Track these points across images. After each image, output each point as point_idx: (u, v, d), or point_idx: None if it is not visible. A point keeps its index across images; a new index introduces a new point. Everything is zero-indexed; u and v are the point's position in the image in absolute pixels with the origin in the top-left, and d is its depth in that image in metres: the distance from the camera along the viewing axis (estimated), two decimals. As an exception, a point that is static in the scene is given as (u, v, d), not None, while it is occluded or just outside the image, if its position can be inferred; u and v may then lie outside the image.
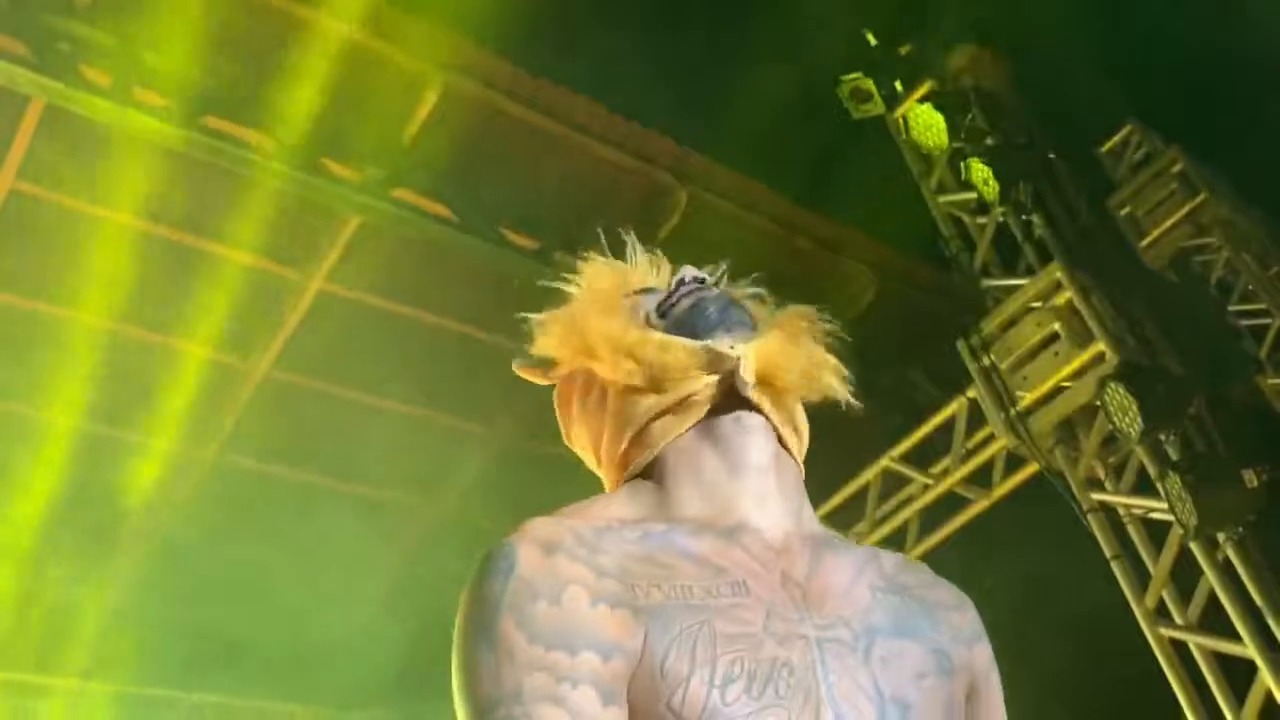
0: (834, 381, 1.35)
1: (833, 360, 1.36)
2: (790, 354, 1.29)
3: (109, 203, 5.93)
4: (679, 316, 1.30)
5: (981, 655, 1.31)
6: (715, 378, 1.25)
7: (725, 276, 1.40)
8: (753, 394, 1.25)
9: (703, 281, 1.35)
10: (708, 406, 1.26)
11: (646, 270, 1.44)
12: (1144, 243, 7.13)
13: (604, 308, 1.34)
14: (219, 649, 7.15)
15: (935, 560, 6.80)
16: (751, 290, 1.42)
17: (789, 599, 1.16)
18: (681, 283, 1.35)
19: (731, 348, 1.26)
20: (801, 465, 1.32)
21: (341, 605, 7.61)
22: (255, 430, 7.30)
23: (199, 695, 7.59)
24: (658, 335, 1.28)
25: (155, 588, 6.97)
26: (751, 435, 1.26)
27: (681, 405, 1.26)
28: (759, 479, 1.24)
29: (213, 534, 7.22)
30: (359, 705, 7.99)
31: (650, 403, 1.27)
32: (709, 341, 1.26)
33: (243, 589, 7.03)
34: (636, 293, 1.39)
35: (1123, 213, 7.35)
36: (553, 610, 1.09)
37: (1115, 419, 5.24)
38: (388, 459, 7.58)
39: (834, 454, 7.34)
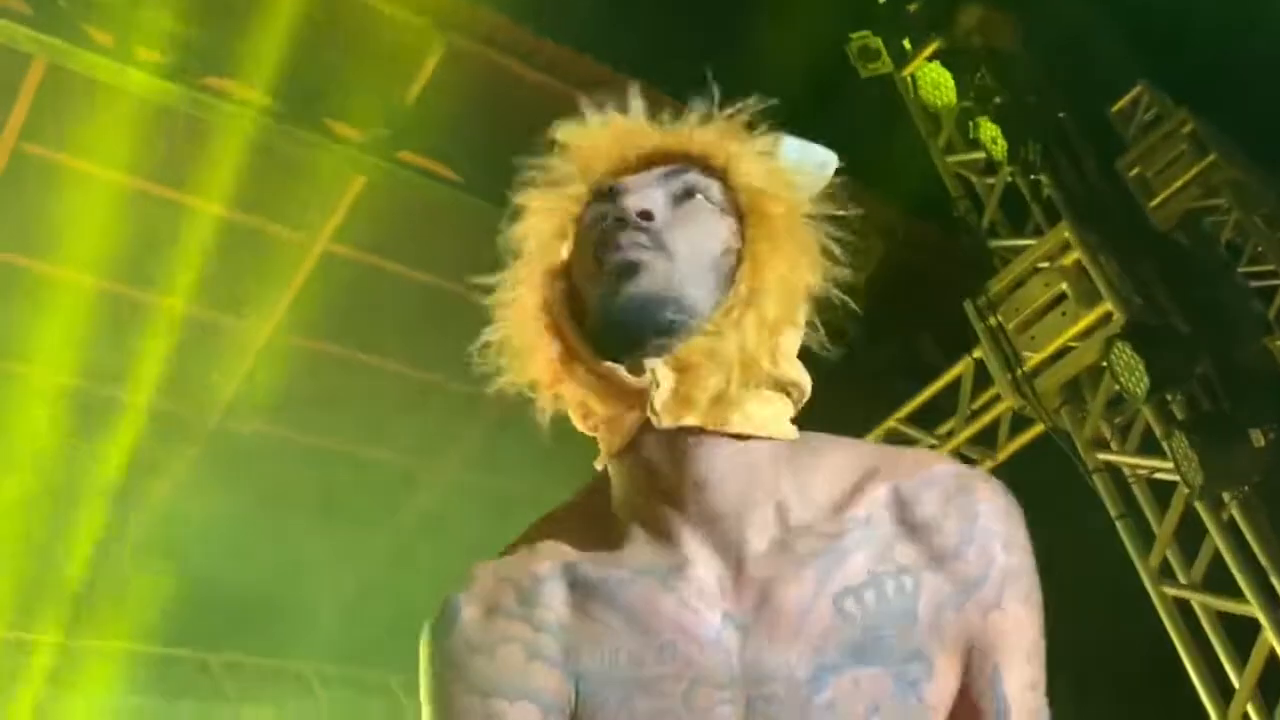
0: (816, 280, 1.18)
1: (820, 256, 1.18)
2: (730, 341, 1.09)
3: (111, 162, 5.91)
4: (604, 302, 1.13)
5: (987, 597, 1.12)
6: (634, 413, 1.11)
7: (677, 186, 1.17)
8: (668, 421, 1.09)
9: (646, 217, 1.14)
10: (629, 436, 1.12)
11: (592, 148, 1.22)
12: (1153, 203, 7.07)
13: (530, 317, 1.19)
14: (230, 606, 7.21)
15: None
16: (691, 181, 1.19)
17: (723, 655, 1.07)
18: (604, 221, 1.16)
19: (642, 372, 1.09)
20: (785, 423, 1.15)
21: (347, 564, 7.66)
22: (260, 393, 7.32)
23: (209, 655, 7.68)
24: (578, 369, 1.14)
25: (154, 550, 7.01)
26: (685, 458, 1.10)
27: (609, 428, 1.15)
28: (701, 502, 1.10)
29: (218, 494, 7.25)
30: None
31: (586, 420, 1.18)
32: (618, 367, 1.10)
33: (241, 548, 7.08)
34: (587, 203, 1.21)
35: (1132, 173, 7.29)
36: (490, 665, 1.10)
37: (1122, 379, 5.23)
38: (394, 425, 7.60)
39: (838, 416, 7.37)
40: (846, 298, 1.22)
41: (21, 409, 6.43)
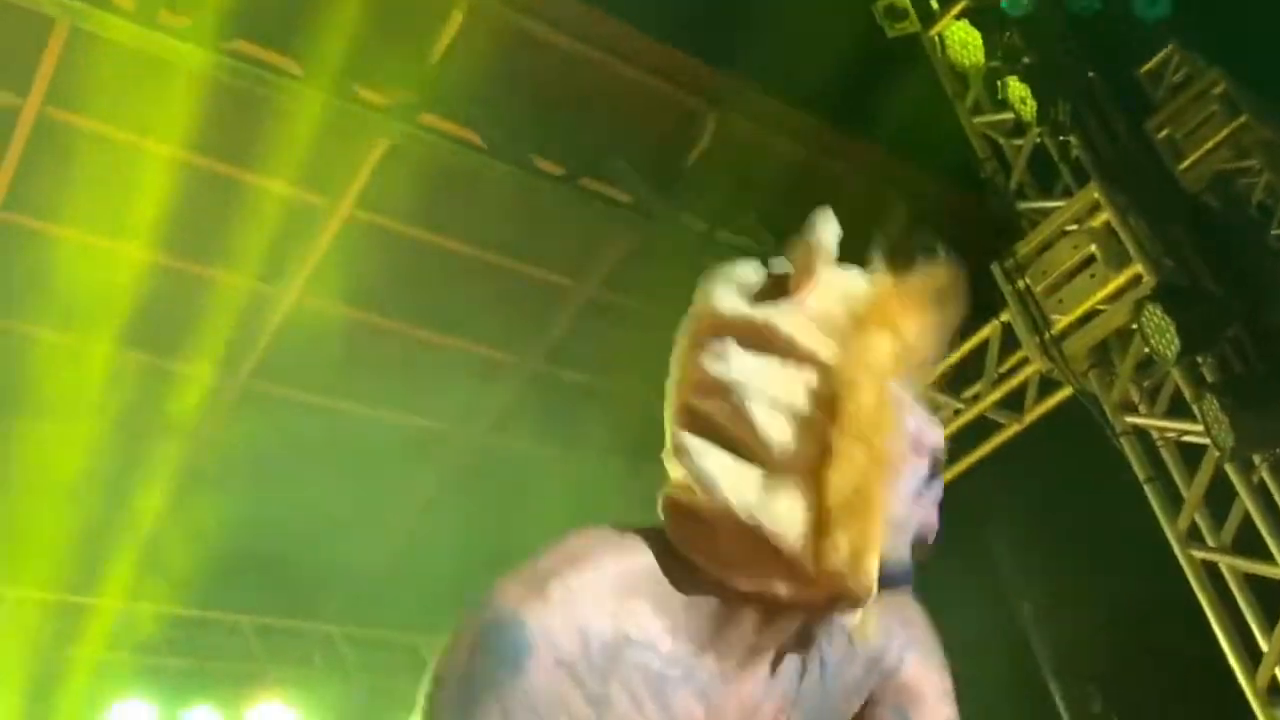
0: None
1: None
2: None
3: (136, 128, 5.91)
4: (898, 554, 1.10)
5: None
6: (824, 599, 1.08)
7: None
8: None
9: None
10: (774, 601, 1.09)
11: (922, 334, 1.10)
12: (1183, 165, 6.99)
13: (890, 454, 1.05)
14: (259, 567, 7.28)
15: (965, 486, 6.81)
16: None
17: None
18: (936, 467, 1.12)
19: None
20: None
21: (380, 527, 7.71)
22: (284, 360, 7.34)
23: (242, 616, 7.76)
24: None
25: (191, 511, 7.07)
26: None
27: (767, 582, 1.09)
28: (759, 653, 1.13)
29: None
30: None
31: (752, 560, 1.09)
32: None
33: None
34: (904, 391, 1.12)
35: (1161, 135, 7.20)
36: None
37: (1152, 341, 5.18)
38: (418, 390, 7.62)
39: None
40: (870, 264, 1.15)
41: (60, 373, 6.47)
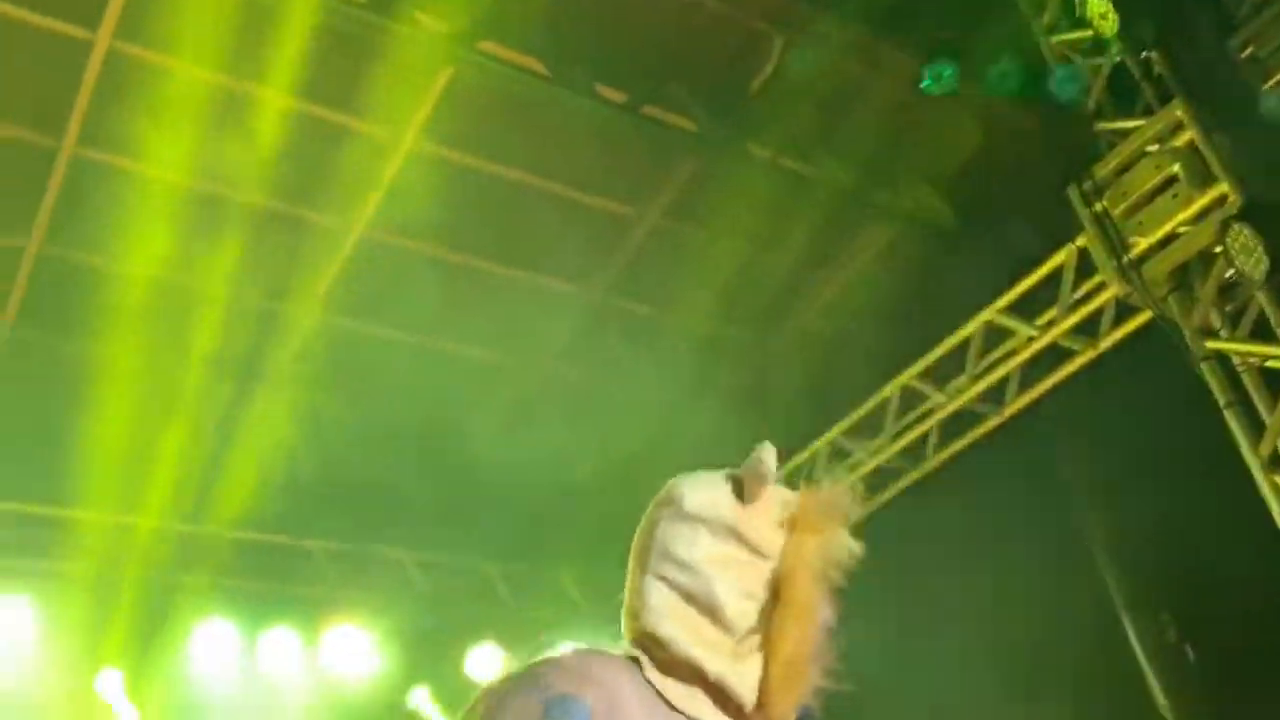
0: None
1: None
2: None
3: (203, 61, 5.93)
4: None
5: None
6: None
7: None
8: None
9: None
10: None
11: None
12: (1267, 85, 6.72)
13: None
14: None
15: (1036, 416, 6.69)
16: None
17: None
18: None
19: None
20: None
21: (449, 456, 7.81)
22: (353, 293, 7.42)
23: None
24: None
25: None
26: None
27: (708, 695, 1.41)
28: None
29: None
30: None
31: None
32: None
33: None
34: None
35: (1245, 54, 6.92)
36: None
37: (1238, 262, 5.03)
38: (483, 321, 7.66)
39: (934, 310, 7.26)
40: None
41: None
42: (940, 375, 6.96)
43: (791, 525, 1.42)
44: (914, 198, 7.63)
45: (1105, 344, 6.19)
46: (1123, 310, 6.08)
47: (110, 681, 7.27)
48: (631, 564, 1.46)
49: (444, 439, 7.75)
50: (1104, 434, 7.01)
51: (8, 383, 7.01)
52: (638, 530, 1.48)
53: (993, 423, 6.86)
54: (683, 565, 1.40)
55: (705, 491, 1.45)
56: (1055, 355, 6.49)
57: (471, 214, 7.15)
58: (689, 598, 1.39)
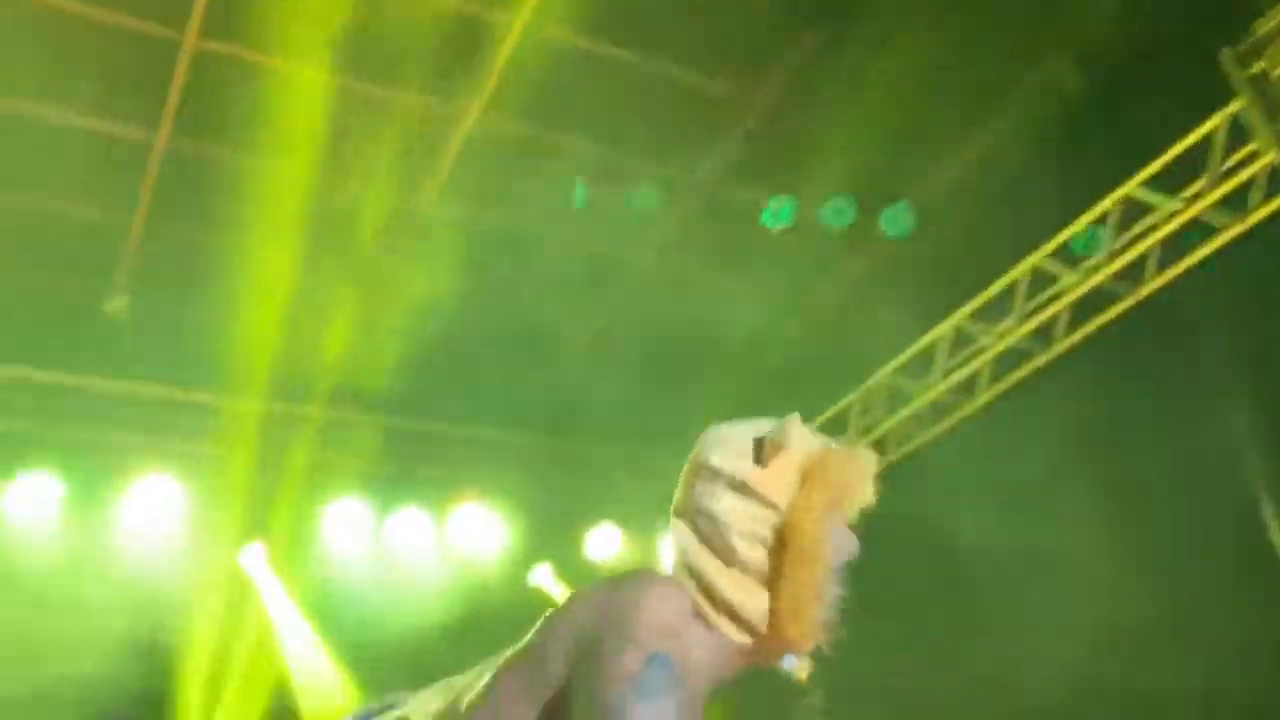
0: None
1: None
2: None
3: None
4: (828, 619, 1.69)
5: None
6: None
7: None
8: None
9: None
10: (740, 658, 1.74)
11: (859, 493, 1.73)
12: None
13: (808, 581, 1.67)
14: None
15: (1176, 295, 6.31)
16: None
17: None
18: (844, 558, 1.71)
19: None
20: None
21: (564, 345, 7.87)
22: (467, 179, 7.40)
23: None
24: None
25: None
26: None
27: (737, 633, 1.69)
28: None
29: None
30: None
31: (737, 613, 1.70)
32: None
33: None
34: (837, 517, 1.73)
35: None
36: None
37: None
38: (591, 211, 7.59)
39: (1073, 185, 6.90)
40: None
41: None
42: (1073, 255, 6.66)
43: (805, 478, 1.66)
44: (1050, 69, 7.20)
45: (1254, 218, 5.80)
46: (1276, 181, 5.67)
47: (254, 555, 7.71)
48: (675, 504, 1.75)
49: (556, 327, 7.81)
50: (1249, 316, 6.62)
51: (152, 271, 7.31)
52: (682, 473, 1.76)
53: (1128, 303, 6.55)
54: (706, 515, 1.68)
55: (729, 451, 1.70)
56: (1198, 231, 6.13)
57: (579, 97, 7.00)
58: (708, 542, 1.67)
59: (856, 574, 1.71)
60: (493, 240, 7.72)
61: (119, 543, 7.22)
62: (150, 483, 7.36)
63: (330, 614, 7.67)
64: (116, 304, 7.24)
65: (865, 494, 1.68)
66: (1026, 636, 6.78)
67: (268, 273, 6.93)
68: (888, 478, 1.76)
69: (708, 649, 1.63)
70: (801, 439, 1.67)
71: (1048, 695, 6.56)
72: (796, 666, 1.73)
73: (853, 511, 1.68)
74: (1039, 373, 7.03)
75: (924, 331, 7.57)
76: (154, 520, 7.30)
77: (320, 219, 7.01)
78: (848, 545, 1.69)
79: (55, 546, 7.02)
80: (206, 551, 7.49)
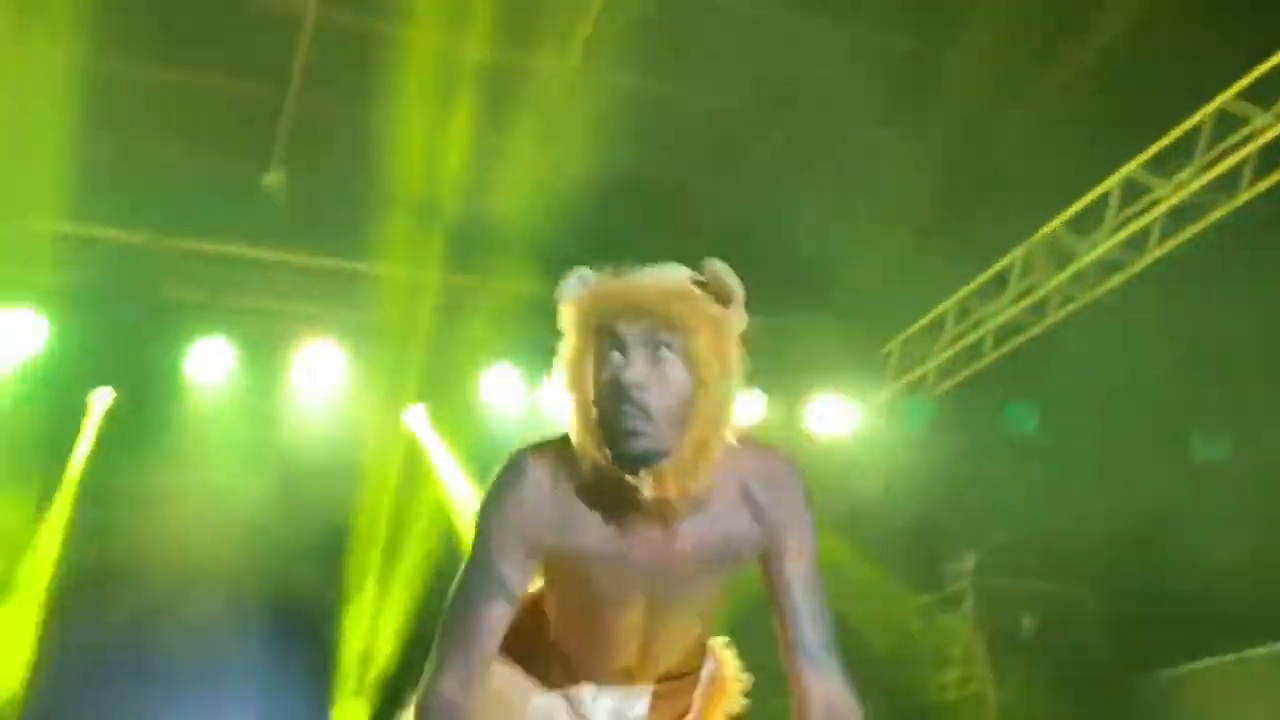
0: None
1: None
2: (689, 464, 1.88)
3: None
4: (616, 448, 1.89)
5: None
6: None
7: None
8: (648, 495, 1.89)
9: (639, 388, 1.84)
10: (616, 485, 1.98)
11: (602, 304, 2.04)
12: None
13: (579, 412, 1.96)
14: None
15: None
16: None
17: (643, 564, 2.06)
18: (611, 373, 1.89)
19: (635, 476, 1.88)
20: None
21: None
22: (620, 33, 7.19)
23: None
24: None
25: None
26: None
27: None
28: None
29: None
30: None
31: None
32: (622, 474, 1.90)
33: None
34: (597, 330, 2.02)
35: None
36: None
37: None
38: (741, 68, 7.31)
39: (1170, 89, 6.25)
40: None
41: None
42: (1230, 126, 6.13)
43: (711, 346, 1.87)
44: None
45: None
46: None
47: (416, 415, 8.05)
48: None
49: (700, 186, 7.67)
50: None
51: (308, 146, 7.48)
52: None
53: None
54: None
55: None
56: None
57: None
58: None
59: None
60: (634, 109, 7.53)
61: (289, 404, 7.65)
62: (317, 348, 7.70)
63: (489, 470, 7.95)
64: (274, 178, 7.46)
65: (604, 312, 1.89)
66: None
67: (420, 143, 6.98)
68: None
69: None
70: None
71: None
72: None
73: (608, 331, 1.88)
74: (1219, 227, 6.51)
75: (1090, 187, 7.10)
76: (319, 383, 7.68)
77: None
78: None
79: (230, 406, 7.49)
80: (369, 414, 7.84)
